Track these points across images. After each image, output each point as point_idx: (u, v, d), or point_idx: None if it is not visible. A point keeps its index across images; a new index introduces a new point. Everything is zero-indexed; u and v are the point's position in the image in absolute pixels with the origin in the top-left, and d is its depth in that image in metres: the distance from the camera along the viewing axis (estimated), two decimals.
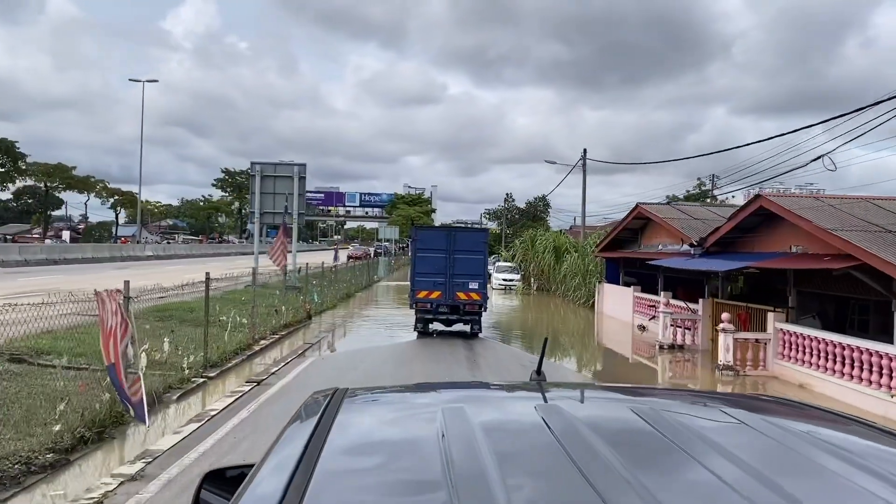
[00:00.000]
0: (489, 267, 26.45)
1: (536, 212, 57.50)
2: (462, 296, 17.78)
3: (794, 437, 1.44)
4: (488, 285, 20.91)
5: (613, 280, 27.32)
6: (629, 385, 3.53)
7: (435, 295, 17.85)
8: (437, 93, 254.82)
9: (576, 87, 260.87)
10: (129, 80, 67.28)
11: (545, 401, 1.78)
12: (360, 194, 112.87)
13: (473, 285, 17.83)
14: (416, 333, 18.39)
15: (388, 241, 68.08)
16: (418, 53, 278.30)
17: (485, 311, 18.45)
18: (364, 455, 1.41)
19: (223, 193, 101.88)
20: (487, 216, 61.14)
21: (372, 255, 61.12)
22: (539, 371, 2.22)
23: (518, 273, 43.14)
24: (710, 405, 1.86)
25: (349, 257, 51.50)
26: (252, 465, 1.55)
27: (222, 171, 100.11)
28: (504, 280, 38.85)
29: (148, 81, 52.89)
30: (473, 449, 1.31)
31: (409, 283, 19.27)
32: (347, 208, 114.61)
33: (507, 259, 41.77)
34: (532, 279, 39.54)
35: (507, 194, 62.82)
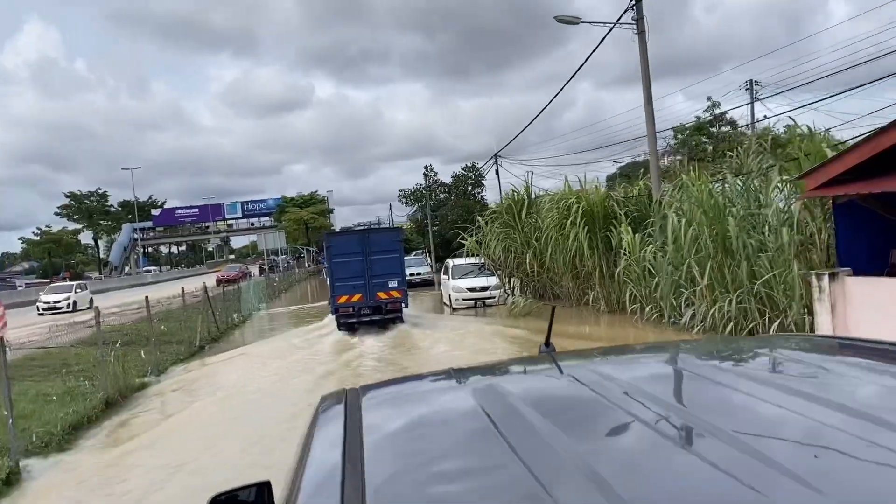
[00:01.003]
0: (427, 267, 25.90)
1: (467, 186, 46.65)
2: (383, 295, 18.13)
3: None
4: (447, 299, 21.32)
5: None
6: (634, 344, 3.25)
7: (356, 298, 18.04)
8: (306, 96, 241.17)
9: (445, 78, 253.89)
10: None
11: (562, 371, 1.77)
12: (242, 203, 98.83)
13: (393, 283, 18.24)
14: None
15: (277, 254, 56.31)
16: (276, 58, 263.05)
17: (405, 307, 18.69)
18: (411, 445, 1.34)
19: (74, 224, 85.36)
20: (403, 200, 49.74)
21: (255, 275, 48.92)
22: (548, 343, 2.21)
23: (426, 265, 33.93)
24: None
25: (218, 281, 39.06)
26: (263, 483, 1.54)
27: (67, 196, 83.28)
28: (470, 289, 22.87)
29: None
30: (525, 420, 1.29)
31: (313, 302, 21.79)
32: (229, 222, 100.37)
33: (476, 252, 23.26)
34: (519, 281, 21.95)
35: (426, 166, 51.72)
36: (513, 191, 23.44)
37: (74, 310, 32.27)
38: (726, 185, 12.55)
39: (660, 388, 1.49)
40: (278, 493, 1.50)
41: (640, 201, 17.23)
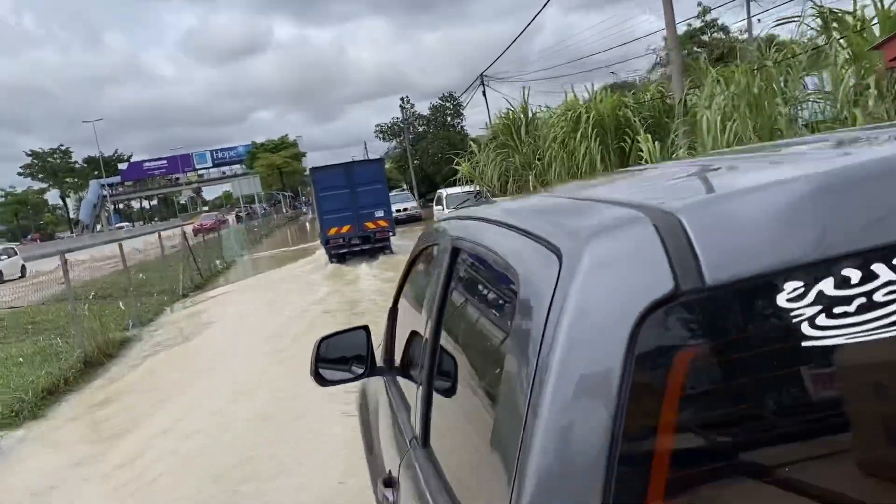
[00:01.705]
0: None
1: (445, 117, 44.55)
2: (371, 225, 18.79)
3: None
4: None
5: None
6: None
7: (345, 229, 18.61)
8: (266, 39, 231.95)
9: (405, 12, 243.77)
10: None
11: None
12: (212, 152, 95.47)
13: (379, 213, 18.91)
14: None
15: (253, 201, 53.73)
16: (232, 2, 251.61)
17: (393, 235, 19.39)
18: None
19: (39, 183, 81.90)
20: (380, 134, 47.52)
21: (232, 224, 46.69)
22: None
23: (412, 200, 32.67)
24: None
25: (195, 231, 36.54)
26: (362, 327, 2.37)
27: (28, 155, 79.60)
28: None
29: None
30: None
31: (296, 244, 23.65)
32: (200, 172, 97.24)
33: (472, 178, 22.26)
34: None
35: (402, 98, 49.42)
36: (508, 110, 21.66)
37: None
38: (766, 72, 11.03)
39: None
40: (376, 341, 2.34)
41: (654, 107, 15.72)
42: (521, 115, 20.28)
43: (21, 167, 79.72)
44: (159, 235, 19.54)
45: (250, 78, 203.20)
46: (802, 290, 0.82)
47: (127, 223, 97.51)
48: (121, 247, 15.17)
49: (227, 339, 10.70)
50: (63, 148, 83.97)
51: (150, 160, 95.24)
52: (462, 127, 43.15)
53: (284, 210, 71.97)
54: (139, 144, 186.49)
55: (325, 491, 4.41)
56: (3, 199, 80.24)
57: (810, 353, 0.82)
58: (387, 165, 49.48)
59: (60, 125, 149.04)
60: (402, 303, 2.69)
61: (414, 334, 2.16)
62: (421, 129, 45.43)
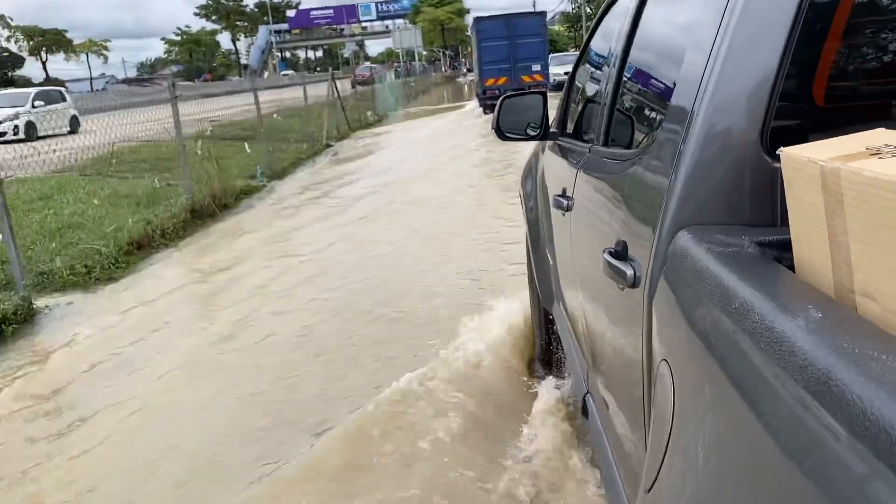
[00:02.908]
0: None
1: None
2: (526, 79, 18.82)
3: None
4: None
5: None
6: None
7: (502, 81, 18.63)
8: None
9: None
10: None
11: None
12: (376, 4, 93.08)
13: (536, 67, 19.19)
14: None
15: (413, 57, 51.22)
16: None
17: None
18: None
19: (212, 25, 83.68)
20: None
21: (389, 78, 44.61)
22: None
23: None
24: None
25: (353, 83, 35.22)
26: (536, 92, 2.80)
27: None
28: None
29: None
30: None
31: (460, 97, 24.40)
32: (364, 24, 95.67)
33: None
34: None
35: None
36: None
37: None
38: None
39: None
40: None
41: None
42: None
43: (196, 7, 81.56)
44: (304, 90, 17.65)
45: None
46: None
47: (292, 71, 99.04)
48: (255, 93, 13.31)
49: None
50: None
51: (316, 9, 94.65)
52: None
53: (443, 69, 69.16)
54: None
55: None
56: (178, 38, 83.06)
57: None
58: (557, 27, 45.00)
59: None
60: (580, 72, 2.75)
61: (589, 101, 2.40)
62: None
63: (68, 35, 76.13)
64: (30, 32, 72.23)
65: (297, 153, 13.58)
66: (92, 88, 60.16)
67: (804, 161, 0.82)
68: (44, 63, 75.28)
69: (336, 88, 18.12)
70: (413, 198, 8.93)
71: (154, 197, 8.41)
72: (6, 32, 70.72)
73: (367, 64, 66.22)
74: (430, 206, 8.34)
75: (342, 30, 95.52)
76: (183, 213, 7.85)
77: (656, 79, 1.62)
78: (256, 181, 10.67)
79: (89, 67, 77.37)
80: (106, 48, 79.96)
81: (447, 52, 76.03)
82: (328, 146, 15.46)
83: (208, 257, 6.71)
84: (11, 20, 70.95)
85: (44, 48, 72.97)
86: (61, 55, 76.16)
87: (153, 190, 8.65)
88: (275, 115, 14.89)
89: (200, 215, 8.22)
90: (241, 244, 7.15)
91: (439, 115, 23.03)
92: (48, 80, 72.10)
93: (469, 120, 19.56)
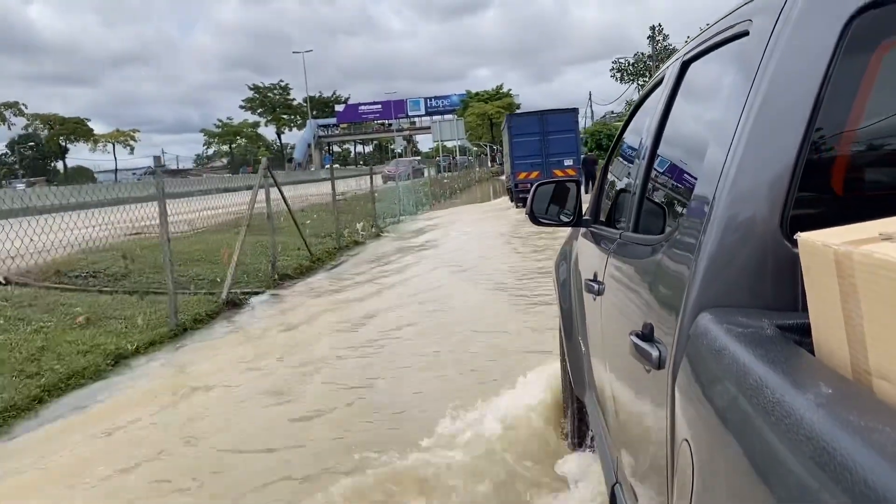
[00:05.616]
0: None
1: None
2: (558, 173, 18.65)
3: None
4: None
5: None
6: None
7: (534, 175, 18.93)
8: None
9: None
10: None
11: None
12: (426, 100, 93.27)
13: (568, 162, 19.69)
14: None
15: (455, 152, 48.90)
16: None
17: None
18: None
19: (255, 117, 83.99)
20: (617, 75, 40.49)
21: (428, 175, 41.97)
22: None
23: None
24: None
25: (384, 178, 32.34)
26: (571, 179, 3.08)
27: (250, 88, 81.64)
28: None
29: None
30: None
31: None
32: (412, 119, 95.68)
33: None
34: None
35: (652, 27, 41.65)
36: None
37: None
38: None
39: None
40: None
41: None
42: None
43: (243, 100, 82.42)
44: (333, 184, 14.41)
45: (471, 35, 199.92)
46: None
47: (337, 165, 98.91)
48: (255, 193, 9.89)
49: None
50: (282, 84, 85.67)
51: (365, 104, 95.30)
52: None
53: (489, 164, 66.86)
54: (359, 93, 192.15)
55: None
56: (218, 130, 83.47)
57: None
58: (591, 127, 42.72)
59: (297, 71, 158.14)
60: (614, 164, 2.86)
61: (621, 192, 2.45)
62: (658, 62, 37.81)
63: (133, 130, 76.55)
64: (49, 120, 72.80)
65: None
66: (116, 178, 59.71)
67: (819, 245, 0.87)
68: (64, 152, 75.60)
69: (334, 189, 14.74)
70: None
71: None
72: (23, 120, 70.94)
73: (405, 159, 63.58)
74: None
75: (389, 124, 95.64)
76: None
77: (682, 169, 1.74)
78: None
79: (115, 158, 77.68)
80: (133, 138, 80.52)
81: (495, 147, 74.56)
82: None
83: None
84: (25, 107, 71.21)
85: (61, 136, 73.05)
86: (82, 143, 76.01)
87: None
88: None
89: None
90: None
91: (469, 213, 21.65)
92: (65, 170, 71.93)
93: (503, 219, 17.49)
